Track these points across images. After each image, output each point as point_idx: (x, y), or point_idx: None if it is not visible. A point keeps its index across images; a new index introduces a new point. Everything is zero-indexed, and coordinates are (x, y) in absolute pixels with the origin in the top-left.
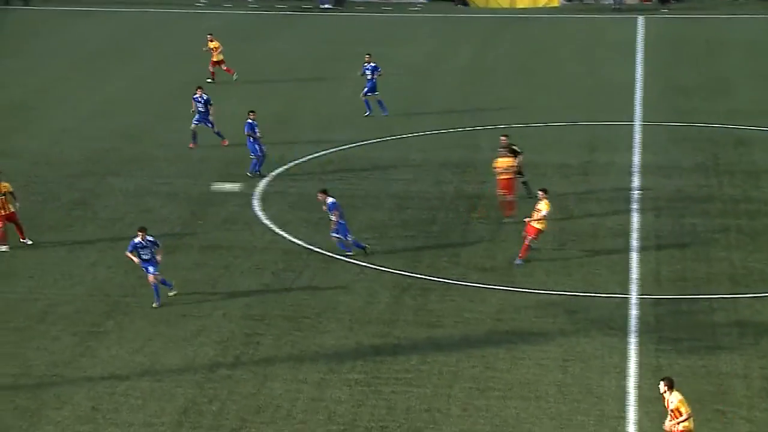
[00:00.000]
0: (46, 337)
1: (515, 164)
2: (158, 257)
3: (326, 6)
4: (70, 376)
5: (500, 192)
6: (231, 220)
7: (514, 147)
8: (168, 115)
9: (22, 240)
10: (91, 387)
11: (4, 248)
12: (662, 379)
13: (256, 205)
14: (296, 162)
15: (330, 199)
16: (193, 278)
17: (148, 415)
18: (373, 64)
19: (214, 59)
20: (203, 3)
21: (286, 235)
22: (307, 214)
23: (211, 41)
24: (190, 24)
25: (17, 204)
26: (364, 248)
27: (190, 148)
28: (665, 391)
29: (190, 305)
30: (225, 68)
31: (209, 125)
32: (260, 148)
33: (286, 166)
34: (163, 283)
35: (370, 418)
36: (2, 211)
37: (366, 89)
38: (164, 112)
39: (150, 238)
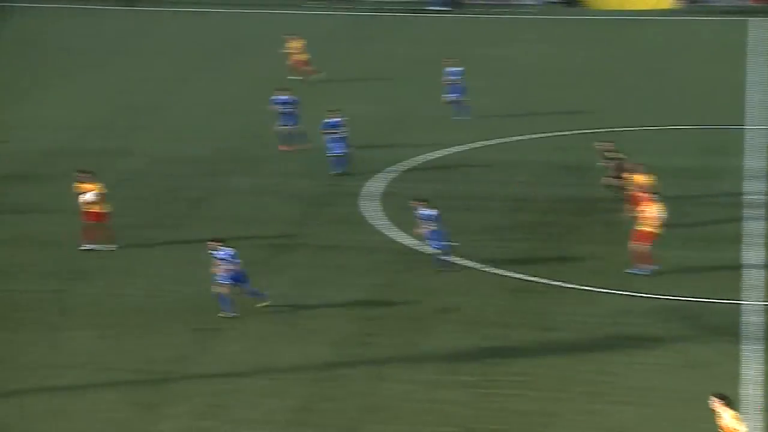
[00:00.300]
0: (165, 334)
1: (651, 181)
2: (222, 270)
3: (437, 8)
4: (188, 372)
5: (630, 207)
6: (345, 221)
7: (612, 153)
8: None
9: (87, 241)
10: (209, 384)
11: (110, 246)
12: (716, 396)
13: (370, 205)
14: (410, 163)
15: (426, 210)
16: (308, 278)
17: (264, 412)
18: (456, 68)
19: (297, 59)
20: (314, 4)
21: (400, 235)
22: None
23: (291, 41)
24: (300, 25)
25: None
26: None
27: (298, 149)
28: (719, 409)
29: (306, 304)
30: (301, 68)
31: (290, 126)
32: (341, 147)
33: (400, 167)
34: (222, 300)
35: (483, 421)
36: (93, 209)
37: (452, 93)
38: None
39: (228, 251)
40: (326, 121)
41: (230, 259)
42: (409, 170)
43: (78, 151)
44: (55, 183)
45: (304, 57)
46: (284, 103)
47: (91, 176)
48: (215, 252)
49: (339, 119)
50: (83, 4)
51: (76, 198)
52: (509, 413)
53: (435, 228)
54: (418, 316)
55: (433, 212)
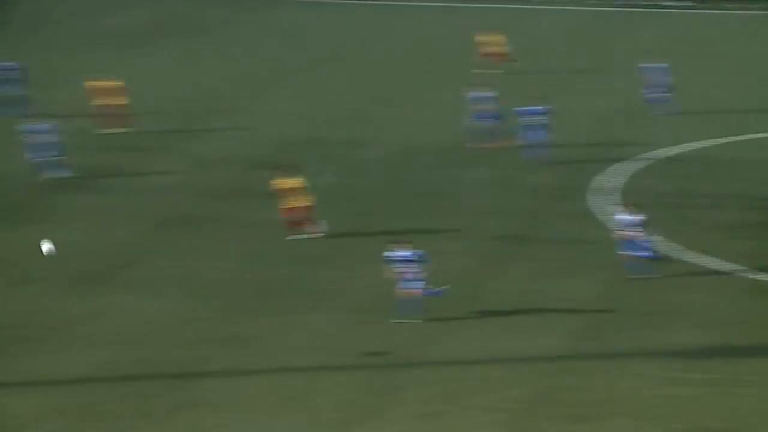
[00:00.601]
0: (403, 321)
1: None
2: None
3: (679, 2)
4: (424, 358)
5: None
6: (576, 215)
7: None
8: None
9: (294, 231)
10: (444, 370)
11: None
12: None
13: (601, 200)
14: (641, 158)
15: (628, 215)
16: (541, 270)
17: (497, 400)
18: (654, 65)
19: (493, 51)
20: None
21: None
22: (650, 211)
23: (488, 36)
24: (534, 20)
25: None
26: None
27: (502, 146)
28: None
29: (537, 297)
30: (498, 61)
31: (490, 123)
32: (541, 136)
33: (630, 162)
34: (403, 303)
35: (716, 418)
36: (293, 204)
37: (651, 89)
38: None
39: (409, 252)
40: (527, 108)
41: (412, 260)
42: (641, 165)
43: (318, 141)
44: (295, 171)
45: (502, 50)
46: (483, 99)
47: (292, 170)
48: (392, 254)
49: (542, 108)
50: None
51: (281, 192)
52: (745, 412)
53: (639, 234)
54: (651, 312)
55: (638, 218)
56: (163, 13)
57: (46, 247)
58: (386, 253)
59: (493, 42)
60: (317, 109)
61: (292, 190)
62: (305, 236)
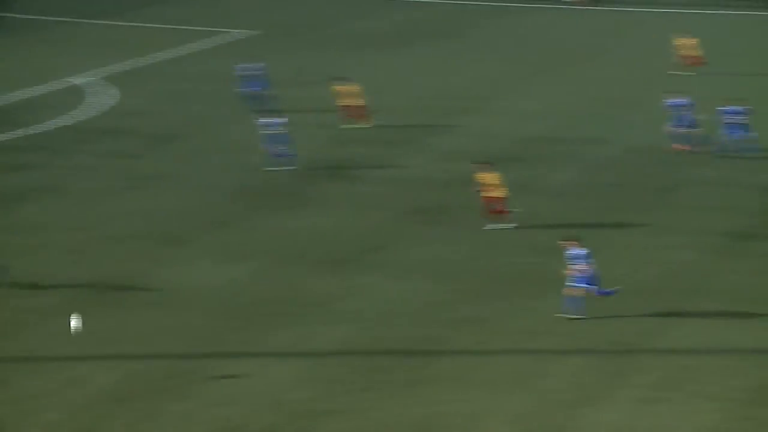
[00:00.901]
0: (632, 311)
1: None
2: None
3: None
4: (653, 346)
5: None
6: None
7: None
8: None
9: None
10: (671, 358)
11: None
12: None
13: None
14: None
15: None
16: (764, 267)
17: (722, 389)
18: None
19: (687, 54)
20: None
21: None
22: None
23: (682, 39)
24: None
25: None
26: None
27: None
28: None
29: (761, 292)
30: (691, 64)
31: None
32: (739, 134)
33: None
34: (568, 300)
35: None
36: (489, 194)
37: None
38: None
39: (581, 250)
40: (724, 108)
41: (583, 259)
42: None
43: (553, 139)
44: (528, 166)
45: (696, 53)
46: (680, 105)
47: (490, 166)
48: (567, 251)
49: (740, 108)
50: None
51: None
52: None
53: None
54: None
55: None
56: (408, 20)
57: (74, 323)
58: (565, 251)
59: (688, 45)
60: (554, 108)
61: (490, 183)
62: (501, 225)
